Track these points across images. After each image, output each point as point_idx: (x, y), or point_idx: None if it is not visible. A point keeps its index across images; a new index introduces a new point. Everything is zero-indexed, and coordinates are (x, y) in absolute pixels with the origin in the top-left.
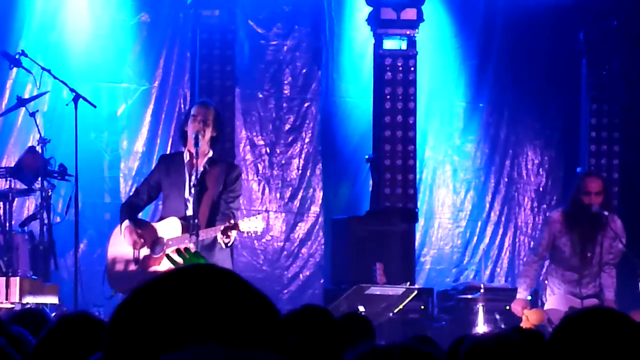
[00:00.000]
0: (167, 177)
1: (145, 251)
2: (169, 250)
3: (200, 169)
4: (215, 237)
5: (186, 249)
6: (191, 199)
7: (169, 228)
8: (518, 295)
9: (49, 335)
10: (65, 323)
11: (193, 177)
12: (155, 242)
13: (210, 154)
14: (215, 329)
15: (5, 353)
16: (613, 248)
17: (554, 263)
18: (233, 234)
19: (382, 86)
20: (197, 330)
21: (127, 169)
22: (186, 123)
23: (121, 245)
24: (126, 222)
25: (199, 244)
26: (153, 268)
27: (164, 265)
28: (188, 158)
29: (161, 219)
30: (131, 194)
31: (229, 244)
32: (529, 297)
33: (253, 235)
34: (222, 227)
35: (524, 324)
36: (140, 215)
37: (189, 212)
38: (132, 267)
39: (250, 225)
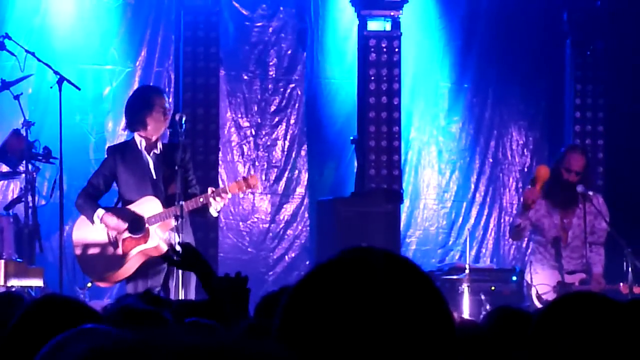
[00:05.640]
0: (123, 165)
1: (124, 234)
2: (152, 227)
3: (157, 152)
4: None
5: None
6: (159, 181)
7: (147, 207)
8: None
9: (23, 318)
10: (38, 306)
11: (151, 160)
12: (134, 223)
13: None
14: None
15: None
16: (596, 227)
17: (536, 237)
18: (227, 196)
19: (366, 67)
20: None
21: None
22: (147, 113)
23: (91, 232)
24: (101, 210)
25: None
26: (138, 247)
27: (151, 243)
28: (145, 143)
29: (125, 204)
30: (86, 187)
31: (218, 209)
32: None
33: (249, 192)
34: (205, 196)
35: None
36: None
37: (157, 194)
38: (111, 251)
39: (240, 185)
